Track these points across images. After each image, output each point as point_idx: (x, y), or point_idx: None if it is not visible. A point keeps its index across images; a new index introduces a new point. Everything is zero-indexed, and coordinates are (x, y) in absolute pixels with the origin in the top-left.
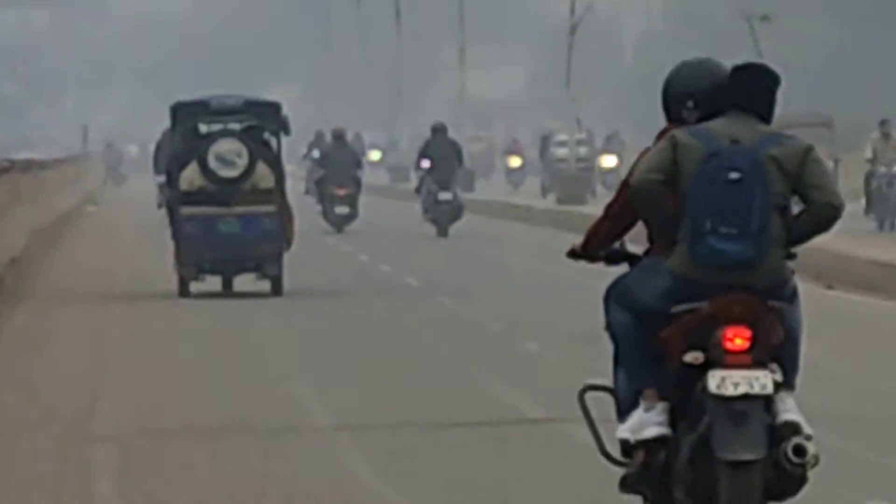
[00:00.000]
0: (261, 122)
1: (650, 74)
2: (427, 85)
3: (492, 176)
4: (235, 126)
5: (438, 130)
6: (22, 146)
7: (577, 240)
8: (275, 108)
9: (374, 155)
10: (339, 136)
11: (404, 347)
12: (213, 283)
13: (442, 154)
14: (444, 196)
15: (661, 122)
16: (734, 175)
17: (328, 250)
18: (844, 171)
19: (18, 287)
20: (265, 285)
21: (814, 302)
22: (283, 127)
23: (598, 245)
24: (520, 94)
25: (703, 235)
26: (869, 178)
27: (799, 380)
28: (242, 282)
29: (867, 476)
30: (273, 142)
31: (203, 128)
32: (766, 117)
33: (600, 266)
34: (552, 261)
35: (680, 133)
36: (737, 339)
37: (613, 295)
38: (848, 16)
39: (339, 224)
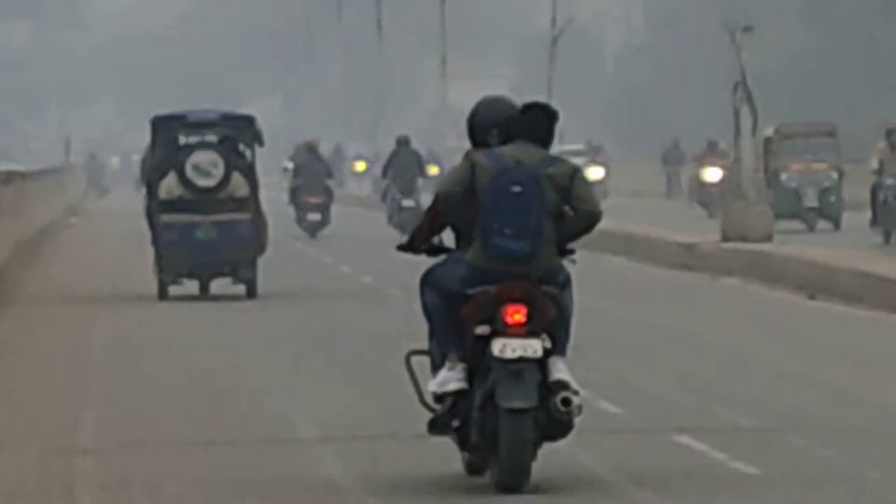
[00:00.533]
0: (236, 134)
1: (632, 85)
2: (409, 96)
3: None
4: (212, 138)
5: (402, 142)
6: (4, 158)
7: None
8: (249, 121)
9: (359, 166)
10: (311, 147)
11: (380, 350)
12: (191, 287)
13: (405, 164)
14: (407, 203)
15: (643, 132)
16: (516, 188)
17: (299, 255)
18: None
19: (1, 298)
20: (240, 289)
21: (796, 312)
22: (257, 139)
23: (419, 241)
24: None
25: (492, 235)
26: (875, 189)
27: (780, 386)
28: (218, 285)
29: (853, 487)
30: (248, 153)
31: (181, 140)
32: (545, 144)
33: (581, 279)
34: None
35: (477, 155)
36: (515, 315)
37: (426, 280)
38: (829, 25)
39: (312, 230)
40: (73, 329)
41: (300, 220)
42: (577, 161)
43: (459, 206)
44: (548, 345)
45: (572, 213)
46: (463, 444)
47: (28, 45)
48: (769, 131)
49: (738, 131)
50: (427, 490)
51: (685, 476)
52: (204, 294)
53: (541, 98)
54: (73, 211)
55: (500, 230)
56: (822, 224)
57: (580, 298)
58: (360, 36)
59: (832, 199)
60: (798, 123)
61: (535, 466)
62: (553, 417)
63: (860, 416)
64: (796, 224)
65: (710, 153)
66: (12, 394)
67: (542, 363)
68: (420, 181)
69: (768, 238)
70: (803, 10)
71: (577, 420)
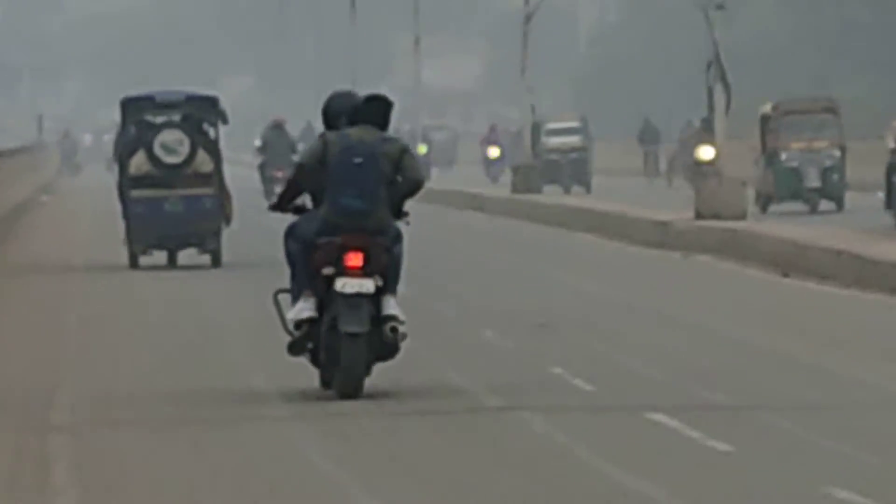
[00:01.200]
0: (200, 114)
1: (605, 64)
2: (382, 74)
3: (453, 167)
4: (178, 118)
5: (278, 126)
6: None
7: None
8: (212, 101)
9: None
10: (278, 125)
11: None
12: (160, 257)
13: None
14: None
15: (616, 110)
16: (358, 160)
17: (262, 227)
18: (851, 159)
19: None
20: (206, 259)
21: (770, 289)
22: (220, 117)
23: (286, 202)
24: (475, 83)
25: (338, 196)
26: (890, 170)
27: (753, 364)
28: (185, 255)
29: (826, 463)
30: (212, 131)
31: (149, 119)
32: (383, 127)
33: (556, 257)
34: (506, 249)
35: (329, 135)
36: (354, 259)
37: (289, 233)
38: (801, 2)
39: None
40: (48, 301)
41: (267, 194)
42: (573, 138)
43: (315, 174)
44: (380, 284)
45: (401, 180)
46: (315, 362)
47: (0, 22)
48: (766, 108)
49: (711, 109)
50: (399, 469)
51: (659, 453)
52: (172, 264)
53: (516, 75)
54: (46, 189)
55: (345, 192)
56: (825, 205)
57: (557, 276)
58: (333, 14)
59: (835, 178)
60: (797, 99)
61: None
62: (383, 342)
63: (833, 392)
64: (798, 206)
65: (706, 132)
66: None
67: (375, 299)
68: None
69: (742, 216)
70: None
71: (402, 345)
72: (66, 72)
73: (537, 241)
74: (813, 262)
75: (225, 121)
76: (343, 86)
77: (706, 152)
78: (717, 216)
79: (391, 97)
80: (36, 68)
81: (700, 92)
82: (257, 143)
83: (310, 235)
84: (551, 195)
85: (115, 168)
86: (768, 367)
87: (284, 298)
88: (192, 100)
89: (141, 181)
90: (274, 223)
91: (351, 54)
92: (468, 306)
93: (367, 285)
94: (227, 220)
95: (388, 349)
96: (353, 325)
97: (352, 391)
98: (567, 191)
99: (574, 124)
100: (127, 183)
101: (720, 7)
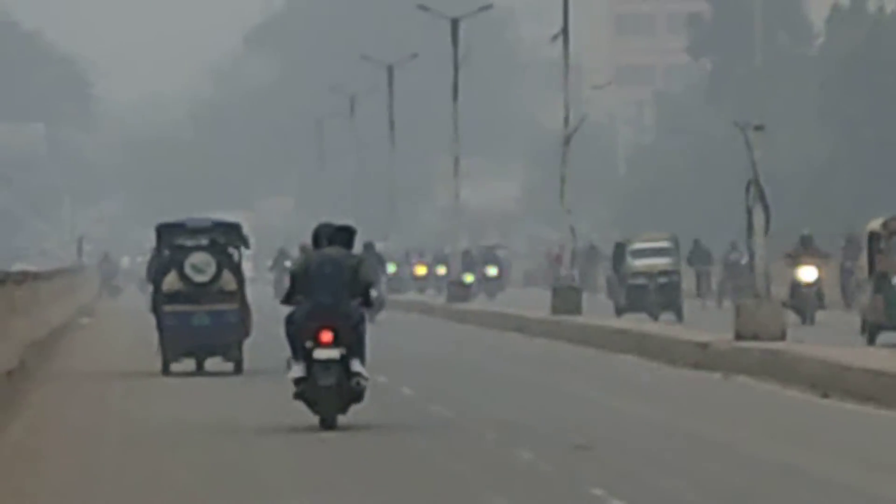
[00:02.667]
0: (226, 238)
1: (644, 185)
2: (421, 195)
3: (506, 288)
4: (205, 241)
5: (368, 246)
6: (17, 258)
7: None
8: (236, 228)
9: (391, 267)
10: (303, 249)
11: (391, 452)
12: (189, 364)
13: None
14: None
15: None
16: (328, 270)
17: (280, 338)
18: None
19: (14, 400)
20: (229, 366)
21: (809, 410)
22: (243, 242)
23: (287, 298)
24: (513, 204)
25: (315, 294)
26: None
27: (793, 486)
28: (211, 363)
29: None
30: (235, 254)
31: (181, 243)
32: (348, 246)
33: (595, 378)
34: (546, 370)
35: (310, 252)
36: (325, 336)
37: (288, 320)
38: (841, 125)
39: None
40: (87, 425)
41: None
42: (663, 260)
43: (298, 280)
44: (345, 353)
45: (360, 282)
46: (308, 404)
47: (40, 145)
48: (875, 225)
49: (751, 230)
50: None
51: None
52: (199, 370)
53: (554, 196)
54: (87, 311)
55: (320, 292)
56: None
57: (597, 397)
58: (373, 135)
59: None
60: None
61: None
62: (353, 390)
63: None
64: None
65: (805, 250)
66: (26, 497)
67: (345, 362)
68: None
69: (781, 336)
70: (816, 109)
71: (366, 394)
72: (106, 194)
73: (577, 362)
74: (852, 383)
75: (247, 245)
76: (381, 206)
77: (807, 273)
78: (756, 337)
79: (431, 218)
80: (75, 190)
81: (740, 213)
82: (287, 263)
83: (299, 321)
84: (591, 316)
85: (148, 288)
86: (806, 489)
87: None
88: (219, 226)
89: (173, 297)
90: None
91: (390, 175)
92: (506, 427)
93: (335, 354)
94: (248, 333)
95: (356, 396)
96: (325, 380)
97: (330, 423)
98: (655, 318)
99: (664, 244)
100: (160, 299)
101: (759, 128)
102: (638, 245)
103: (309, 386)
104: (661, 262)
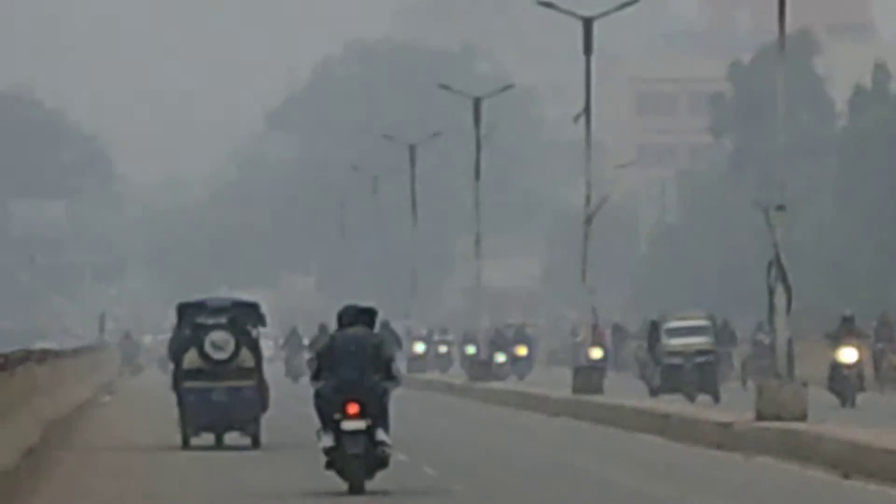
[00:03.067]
0: (244, 317)
1: (665, 264)
2: (443, 274)
3: (534, 367)
4: (224, 320)
5: (384, 325)
6: (38, 336)
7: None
8: (254, 307)
9: (419, 347)
10: (323, 328)
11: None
12: (208, 438)
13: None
14: (394, 367)
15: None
16: (353, 348)
17: (298, 414)
18: None
19: (36, 476)
20: (247, 440)
21: (830, 492)
22: (260, 321)
23: (317, 375)
24: (535, 283)
25: (341, 370)
26: None
27: None
28: (230, 437)
29: None
30: (253, 332)
31: (201, 321)
32: (370, 326)
33: (617, 458)
34: (567, 450)
35: (335, 332)
36: (352, 408)
37: (316, 394)
38: (862, 203)
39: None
40: (113, 472)
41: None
42: (700, 339)
43: (324, 358)
44: (370, 423)
45: (382, 358)
46: (337, 472)
47: (62, 223)
48: None
49: (772, 309)
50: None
51: None
52: (218, 445)
53: (576, 275)
54: (108, 389)
55: (345, 368)
56: None
57: (618, 477)
58: (396, 213)
59: None
60: None
61: None
62: (377, 458)
63: None
64: None
65: (847, 331)
66: None
67: (370, 432)
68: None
69: (803, 417)
70: (837, 189)
71: (390, 461)
72: (128, 272)
73: (598, 443)
74: (874, 464)
75: (264, 324)
76: (403, 287)
77: (848, 354)
78: (778, 417)
79: (452, 296)
80: (98, 268)
81: (761, 292)
82: (305, 341)
83: (328, 395)
84: (613, 396)
85: (170, 366)
86: None
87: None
88: (238, 305)
89: (193, 374)
90: (301, 408)
91: (412, 254)
92: None
93: (361, 425)
94: (265, 408)
95: (381, 462)
96: (353, 449)
97: (357, 488)
98: (692, 400)
99: (701, 323)
100: (181, 375)
101: (781, 208)
102: (674, 324)
103: (338, 455)
104: (698, 341)
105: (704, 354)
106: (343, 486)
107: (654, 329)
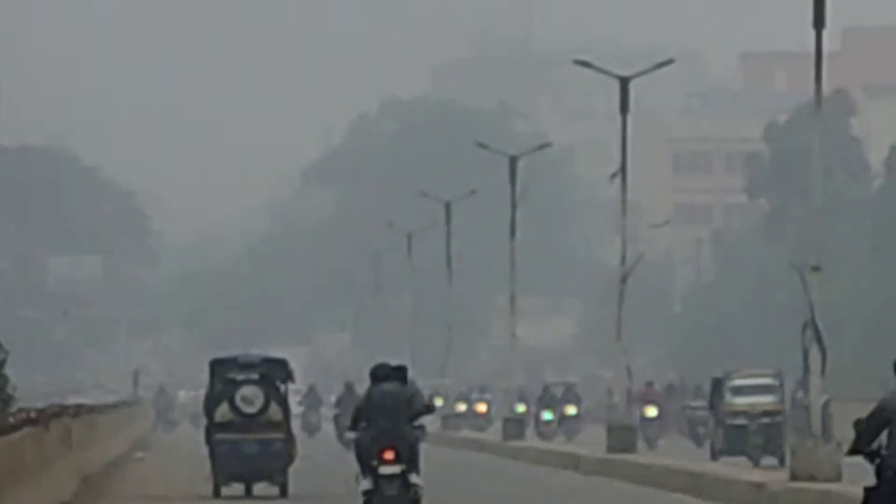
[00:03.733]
0: (274, 373)
1: (700, 324)
2: (478, 332)
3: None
4: (255, 376)
5: (412, 382)
6: (73, 391)
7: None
8: (283, 363)
9: (438, 402)
10: (349, 387)
11: None
12: (238, 489)
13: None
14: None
15: (711, 371)
16: (388, 401)
17: (324, 465)
18: None
19: None
20: (275, 490)
21: None
22: (289, 377)
23: (355, 425)
24: (569, 341)
25: (378, 422)
26: None
27: None
28: (259, 488)
29: None
30: (282, 388)
31: (232, 377)
32: (403, 381)
33: None
34: None
35: (372, 388)
36: (388, 454)
37: (355, 443)
38: None
39: (348, 446)
40: None
41: (339, 437)
42: (766, 398)
43: (365, 410)
44: (405, 468)
45: (414, 410)
46: None
47: (98, 278)
48: None
49: (806, 370)
50: None
51: None
52: (248, 494)
53: (610, 334)
54: (142, 445)
55: (381, 419)
56: None
57: None
58: (431, 271)
59: None
60: None
61: None
62: (411, 499)
63: None
64: None
65: None
66: None
67: (404, 476)
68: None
69: (837, 477)
70: (872, 248)
71: (422, 501)
72: (162, 327)
73: (629, 502)
74: None
75: (292, 380)
76: (437, 344)
77: None
78: (812, 478)
79: (485, 354)
80: (132, 323)
81: (796, 353)
82: (332, 397)
83: (365, 444)
84: (645, 454)
85: (202, 421)
86: None
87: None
88: (267, 361)
89: (224, 427)
90: (327, 459)
91: (447, 311)
92: None
93: (397, 469)
94: (292, 459)
95: (414, 502)
96: (389, 490)
97: None
98: (756, 464)
99: (768, 381)
100: (213, 428)
101: (816, 269)
102: (738, 381)
103: (376, 497)
104: (765, 400)
105: (771, 415)
106: None
107: (717, 387)
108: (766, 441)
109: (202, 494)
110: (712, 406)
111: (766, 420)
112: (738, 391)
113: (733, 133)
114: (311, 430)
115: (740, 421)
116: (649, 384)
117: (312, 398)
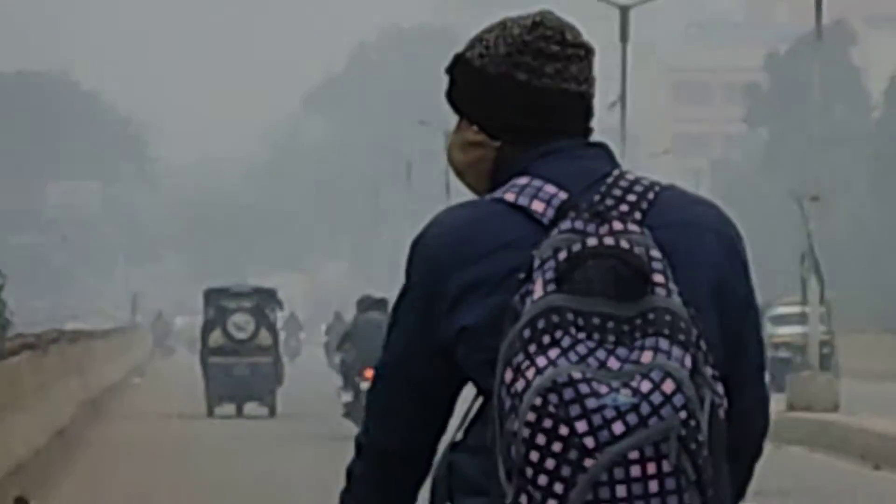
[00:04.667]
0: (263, 301)
1: None
2: None
3: None
4: (246, 304)
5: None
6: (71, 316)
7: None
8: (272, 293)
9: None
10: (338, 316)
11: None
12: (229, 408)
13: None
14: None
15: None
16: (372, 328)
17: (312, 387)
18: None
19: (65, 458)
20: (264, 410)
21: (860, 482)
22: (278, 305)
23: (341, 345)
24: None
25: (361, 344)
26: None
27: None
28: (249, 407)
29: None
30: (272, 315)
31: (225, 305)
32: (385, 311)
33: None
34: None
35: (358, 316)
36: (369, 371)
37: (343, 361)
38: None
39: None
40: (137, 486)
41: (330, 362)
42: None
43: (352, 334)
44: None
45: None
46: (354, 422)
47: (97, 203)
48: None
49: (804, 301)
50: None
51: None
52: (239, 413)
53: None
54: (139, 371)
55: (364, 342)
56: None
57: None
58: (429, 198)
59: None
60: None
61: None
62: None
63: None
64: None
65: None
66: None
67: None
68: None
69: (834, 408)
70: (871, 179)
71: None
72: (161, 253)
73: None
74: None
75: (281, 308)
76: None
77: None
78: (808, 408)
79: None
80: (131, 249)
81: (794, 283)
82: (323, 327)
83: (350, 362)
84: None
85: (198, 346)
86: None
87: None
88: (258, 291)
89: (217, 351)
90: (311, 382)
91: None
92: None
93: None
94: (280, 382)
95: None
96: None
97: None
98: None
99: (800, 310)
100: (206, 352)
101: (815, 199)
102: (780, 310)
103: (355, 407)
104: (795, 331)
105: (819, 347)
106: (356, 429)
107: None
108: None
109: (196, 414)
110: None
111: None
112: (781, 320)
113: (733, 63)
114: (292, 354)
115: (783, 354)
116: None
117: (292, 324)
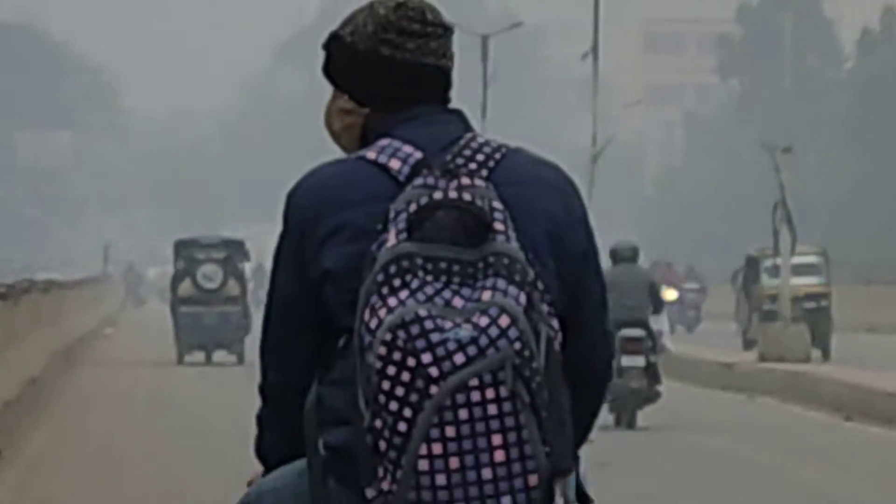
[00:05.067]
0: (232, 252)
1: (671, 205)
2: None
3: None
4: (215, 255)
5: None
6: (42, 267)
7: None
8: (240, 244)
9: None
10: None
11: None
12: (199, 356)
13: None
14: None
15: (682, 251)
16: None
17: None
18: None
19: (37, 408)
20: (233, 358)
21: (831, 433)
22: (246, 256)
23: None
24: None
25: None
26: None
27: None
28: (218, 355)
29: None
30: (240, 266)
31: (194, 256)
32: None
33: None
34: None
35: None
36: None
37: None
38: (870, 146)
39: None
40: (109, 434)
41: None
42: (810, 280)
43: None
44: None
45: None
46: None
47: (68, 154)
48: None
49: (776, 252)
50: None
51: None
52: (208, 361)
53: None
54: (110, 321)
55: None
56: None
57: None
58: None
59: None
60: None
61: None
62: None
63: None
64: None
65: None
66: None
67: None
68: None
69: (806, 359)
70: (844, 131)
71: None
72: (132, 204)
73: None
74: (876, 407)
75: (248, 259)
76: None
77: None
78: (781, 359)
79: None
80: (102, 199)
81: (767, 234)
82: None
83: None
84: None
85: (169, 296)
86: None
87: None
88: (226, 242)
89: (187, 300)
90: None
91: None
92: None
93: None
94: (248, 330)
95: None
96: None
97: None
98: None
99: (811, 259)
100: (177, 302)
101: (787, 150)
102: (777, 260)
103: None
104: (809, 281)
105: (815, 298)
106: None
107: (751, 266)
108: (810, 329)
109: (167, 361)
110: (745, 289)
111: (809, 305)
112: (777, 271)
113: (705, 14)
114: (259, 303)
115: (809, 305)
116: (669, 265)
117: (260, 274)
